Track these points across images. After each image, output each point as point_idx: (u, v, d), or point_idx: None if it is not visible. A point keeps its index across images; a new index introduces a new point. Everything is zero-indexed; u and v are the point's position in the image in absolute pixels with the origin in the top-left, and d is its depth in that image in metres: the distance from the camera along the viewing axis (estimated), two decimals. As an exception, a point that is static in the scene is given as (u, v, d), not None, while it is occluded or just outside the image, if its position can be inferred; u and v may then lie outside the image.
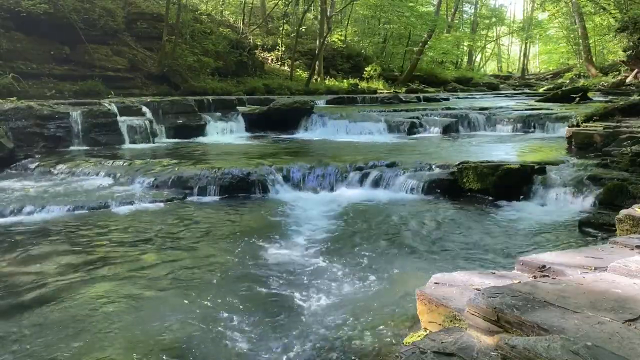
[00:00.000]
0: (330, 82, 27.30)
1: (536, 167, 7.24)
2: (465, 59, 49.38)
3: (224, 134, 13.42)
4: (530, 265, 2.98)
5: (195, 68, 19.95)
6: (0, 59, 14.14)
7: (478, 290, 2.53)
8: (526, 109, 15.03)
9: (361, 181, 7.82)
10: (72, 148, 10.73)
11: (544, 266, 2.92)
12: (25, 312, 3.74)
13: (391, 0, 30.85)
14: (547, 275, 2.82)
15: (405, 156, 9.03)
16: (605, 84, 24.79)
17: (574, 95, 17.67)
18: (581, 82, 26.47)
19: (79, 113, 11.04)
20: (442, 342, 2.22)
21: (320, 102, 17.76)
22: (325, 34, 26.77)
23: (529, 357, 1.86)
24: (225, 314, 3.71)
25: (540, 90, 28.02)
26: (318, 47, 26.79)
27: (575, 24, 33.16)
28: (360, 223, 6.13)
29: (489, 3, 52.96)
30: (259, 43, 27.88)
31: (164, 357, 3.15)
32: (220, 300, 3.94)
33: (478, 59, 54.17)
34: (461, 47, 46.15)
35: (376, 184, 7.71)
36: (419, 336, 2.50)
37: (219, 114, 14.12)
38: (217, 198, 7.35)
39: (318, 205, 6.97)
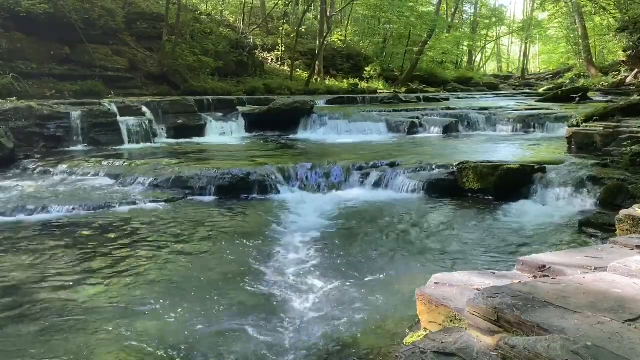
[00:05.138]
0: (330, 82, 27.28)
1: (536, 167, 7.24)
2: (465, 59, 49.32)
3: (224, 134, 13.42)
4: (530, 265, 2.98)
5: (195, 68, 19.93)
6: (0, 59, 14.13)
7: (478, 290, 2.54)
8: (526, 109, 15.02)
9: (361, 181, 7.82)
10: (72, 148, 10.72)
11: (544, 266, 2.92)
12: (25, 312, 3.74)
13: (391, 0, 30.80)
14: (547, 275, 2.82)
15: (406, 156, 9.03)
16: (605, 84, 24.78)
17: (574, 95, 17.66)
18: (581, 82, 26.42)
19: (79, 113, 11.03)
20: (442, 342, 2.22)
21: (320, 102, 17.75)
22: (325, 34, 26.76)
23: (529, 357, 1.86)
24: (224, 315, 3.71)
25: (540, 90, 27.98)
26: (318, 47, 26.78)
27: (575, 24, 33.12)
28: (360, 223, 6.13)
29: (489, 3, 52.89)
30: (259, 43, 27.85)
31: (162, 358, 3.15)
32: (219, 301, 3.94)
33: (478, 59, 54.09)
34: (461, 47, 46.08)
35: (377, 184, 7.71)
36: (419, 336, 2.50)
37: (219, 114, 14.12)
38: (217, 198, 7.34)
39: (318, 205, 6.97)
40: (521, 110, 14.90)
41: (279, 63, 28.51)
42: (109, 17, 17.77)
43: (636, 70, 23.34)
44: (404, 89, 27.59)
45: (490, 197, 7.06)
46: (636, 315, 2.05)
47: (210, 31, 23.00)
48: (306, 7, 30.18)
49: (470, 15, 50.15)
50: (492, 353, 2.03)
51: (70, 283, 4.27)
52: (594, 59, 33.09)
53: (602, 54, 37.87)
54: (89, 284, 4.25)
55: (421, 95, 22.24)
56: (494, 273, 3.06)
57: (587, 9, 30.47)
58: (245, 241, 5.40)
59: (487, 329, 2.19)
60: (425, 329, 2.66)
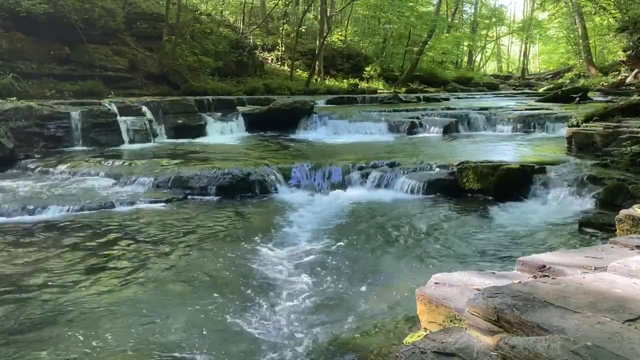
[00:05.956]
0: (330, 82, 27.27)
1: (536, 167, 7.25)
2: (465, 59, 49.31)
3: (224, 133, 13.41)
4: (530, 265, 2.98)
5: (195, 68, 19.92)
6: (0, 59, 14.12)
7: (478, 290, 2.53)
8: (526, 109, 15.02)
9: (361, 181, 7.82)
10: (72, 148, 10.72)
11: (544, 266, 2.92)
12: (24, 312, 3.74)
13: (391, 0, 30.79)
14: (547, 275, 2.82)
15: (406, 156, 9.03)
16: (605, 84, 24.77)
17: (574, 95, 17.67)
18: (581, 82, 26.42)
19: (79, 113, 11.02)
20: (442, 342, 2.22)
21: (320, 102, 17.74)
22: (325, 34, 26.75)
23: (529, 357, 1.86)
24: (223, 315, 3.71)
25: (541, 90, 27.98)
26: (318, 47, 26.78)
27: (575, 24, 33.13)
28: (360, 223, 6.13)
29: (489, 3, 52.91)
30: (259, 43, 27.84)
31: (160, 358, 3.15)
32: (219, 301, 3.94)
33: (478, 59, 54.08)
34: (461, 47, 46.07)
35: (377, 184, 7.71)
36: (419, 336, 2.50)
37: (219, 113, 14.12)
38: (217, 198, 7.35)
39: (318, 205, 6.97)
40: (521, 110, 14.89)
41: (279, 63, 28.50)
42: (109, 17, 17.76)
43: (636, 70, 23.33)
44: (404, 89, 27.57)
45: (490, 197, 7.06)
46: (636, 315, 2.05)
47: (210, 31, 22.99)
48: (306, 7, 30.17)
49: (470, 15, 50.16)
50: (492, 353, 2.03)
51: (69, 283, 4.27)
52: (594, 59, 33.09)
53: (602, 54, 37.87)
54: (88, 284, 4.25)
55: (421, 95, 22.23)
56: (494, 273, 3.06)
57: (587, 9, 30.46)
58: (245, 241, 5.40)
59: (487, 329, 2.19)
60: (425, 329, 2.65)
